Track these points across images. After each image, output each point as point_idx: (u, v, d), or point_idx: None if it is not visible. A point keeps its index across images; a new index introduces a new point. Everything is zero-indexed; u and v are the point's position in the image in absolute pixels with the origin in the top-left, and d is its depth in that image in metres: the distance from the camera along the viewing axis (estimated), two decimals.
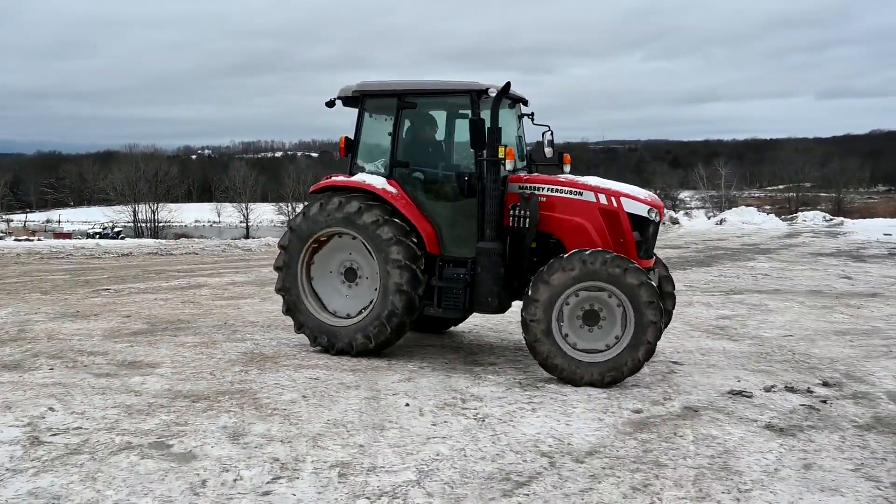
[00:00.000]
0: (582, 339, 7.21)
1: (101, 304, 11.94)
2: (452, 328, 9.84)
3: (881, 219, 39.88)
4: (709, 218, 43.59)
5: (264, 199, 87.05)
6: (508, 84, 7.70)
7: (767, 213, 44.73)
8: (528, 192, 7.85)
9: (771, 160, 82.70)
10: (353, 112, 8.46)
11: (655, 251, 8.13)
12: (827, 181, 70.22)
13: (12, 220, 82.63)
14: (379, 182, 8.09)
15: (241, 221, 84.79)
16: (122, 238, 51.65)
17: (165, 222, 79.53)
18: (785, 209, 60.70)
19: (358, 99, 8.42)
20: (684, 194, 73.21)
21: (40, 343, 8.86)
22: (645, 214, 7.71)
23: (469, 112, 7.89)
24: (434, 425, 6.03)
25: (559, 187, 7.85)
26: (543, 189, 7.86)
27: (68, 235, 58.26)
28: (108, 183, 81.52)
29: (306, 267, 8.37)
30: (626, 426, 6.06)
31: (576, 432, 5.89)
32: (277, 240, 20.29)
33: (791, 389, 7.09)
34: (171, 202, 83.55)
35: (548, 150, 8.60)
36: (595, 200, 7.71)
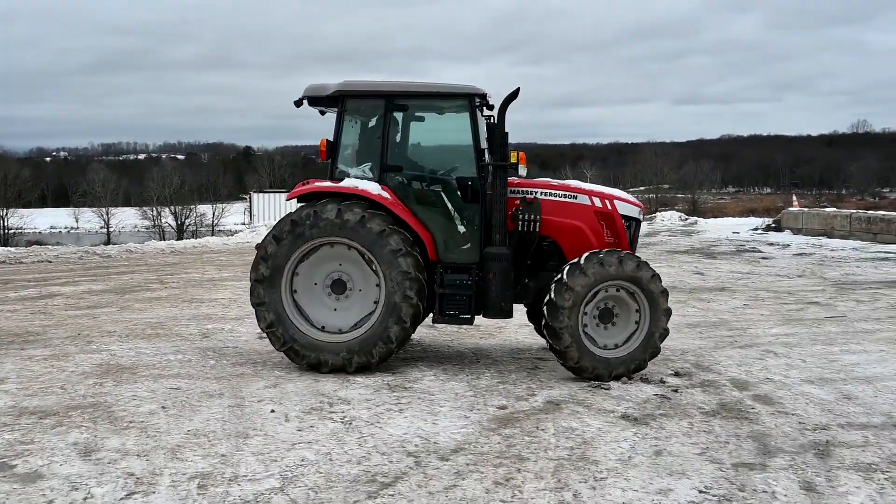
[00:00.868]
0: (601, 337, 7.45)
1: None
2: None
3: (731, 218, 42.57)
4: None
5: (127, 204, 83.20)
6: (518, 89, 7.58)
7: None
8: (531, 195, 7.85)
9: (632, 163, 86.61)
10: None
11: None
12: (683, 183, 74.15)
13: None
14: (374, 188, 7.67)
15: (101, 227, 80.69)
16: None
17: (17, 229, 74.58)
18: (646, 209, 63.61)
19: (336, 99, 7.95)
20: None
21: None
22: (636, 216, 8.10)
23: (466, 116, 7.78)
24: (300, 431, 5.95)
25: (553, 191, 7.94)
26: (537, 193, 7.90)
27: None
28: None
29: (291, 279, 7.72)
30: (491, 422, 6.19)
31: (442, 431, 5.97)
32: (140, 245, 19.15)
33: (646, 380, 7.44)
34: (23, 207, 78.46)
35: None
36: (590, 203, 7.92)
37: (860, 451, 5.54)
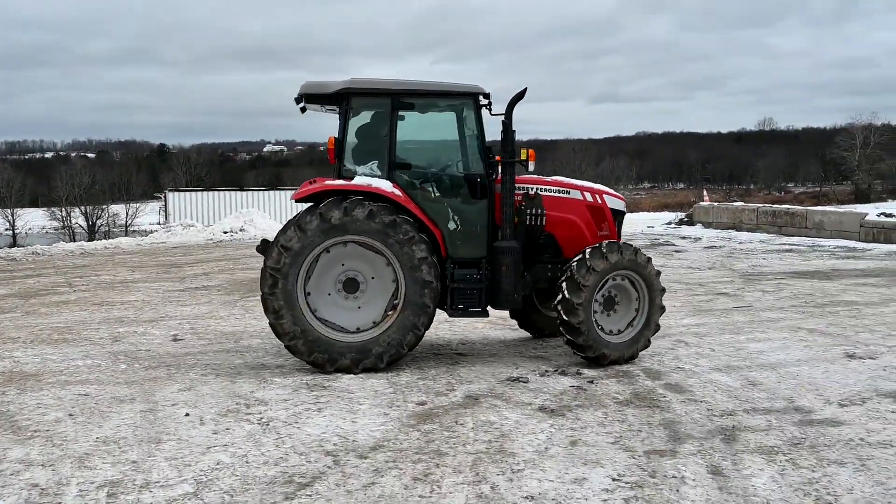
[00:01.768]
0: (608, 324, 7.88)
1: None
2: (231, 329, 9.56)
3: (646, 213, 43.85)
4: None
5: (34, 204, 79.80)
6: (525, 90, 7.88)
7: None
8: (533, 191, 8.06)
9: (551, 159, 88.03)
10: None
11: None
12: (601, 179, 75.80)
13: None
14: (387, 186, 7.64)
15: (6, 229, 77.13)
16: None
17: None
18: None
19: (339, 97, 7.89)
20: None
21: None
22: (622, 209, 8.67)
23: (472, 113, 7.96)
24: (215, 433, 5.83)
25: (548, 187, 8.25)
26: (533, 189, 8.11)
27: None
28: None
29: (304, 283, 7.54)
30: (411, 419, 6.20)
31: (361, 429, 5.94)
32: (48, 247, 18.47)
33: (563, 373, 7.58)
34: None
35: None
36: (583, 198, 8.35)
37: (764, 435, 5.77)
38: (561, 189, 8.33)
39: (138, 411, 6.37)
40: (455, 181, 8.14)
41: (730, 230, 25.69)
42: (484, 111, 8.05)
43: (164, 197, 48.18)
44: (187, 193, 45.57)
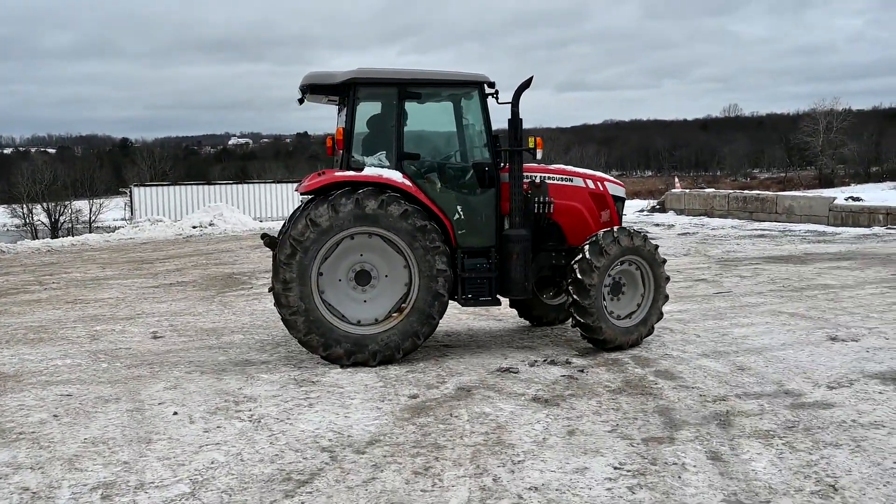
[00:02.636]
0: (615, 309, 7.98)
1: None
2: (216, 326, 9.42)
3: None
4: None
5: None
6: (531, 78, 7.90)
7: None
8: (538, 179, 8.10)
9: None
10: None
11: None
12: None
13: None
14: (397, 176, 7.56)
15: None
16: None
17: None
18: None
19: (344, 88, 7.76)
20: None
21: None
22: (623, 195, 8.76)
23: (478, 102, 7.93)
24: (206, 432, 5.71)
25: (552, 175, 8.31)
26: (539, 177, 8.16)
27: None
28: None
29: (317, 278, 7.44)
30: (404, 412, 6.13)
31: (355, 424, 5.87)
32: (13, 245, 18.02)
33: (553, 362, 7.56)
34: None
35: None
36: (585, 185, 8.44)
37: (758, 419, 5.80)
38: (564, 177, 8.39)
39: (125, 411, 6.23)
40: (463, 170, 8.13)
41: (702, 216, 25.94)
42: (490, 100, 8.00)
43: (130, 192, 47.38)
44: (153, 188, 44.82)
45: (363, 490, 4.67)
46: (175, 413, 6.14)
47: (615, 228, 7.93)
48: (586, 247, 7.80)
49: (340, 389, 6.77)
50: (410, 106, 7.90)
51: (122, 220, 49.94)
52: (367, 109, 8.08)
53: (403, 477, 4.84)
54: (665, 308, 10.31)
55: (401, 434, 5.62)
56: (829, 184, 63.86)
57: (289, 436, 5.61)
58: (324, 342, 7.42)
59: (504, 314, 10.21)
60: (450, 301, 7.80)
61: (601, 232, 7.89)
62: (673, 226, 23.67)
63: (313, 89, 7.97)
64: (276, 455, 5.24)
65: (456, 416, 5.99)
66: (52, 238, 35.86)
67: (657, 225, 24.12)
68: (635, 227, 8.26)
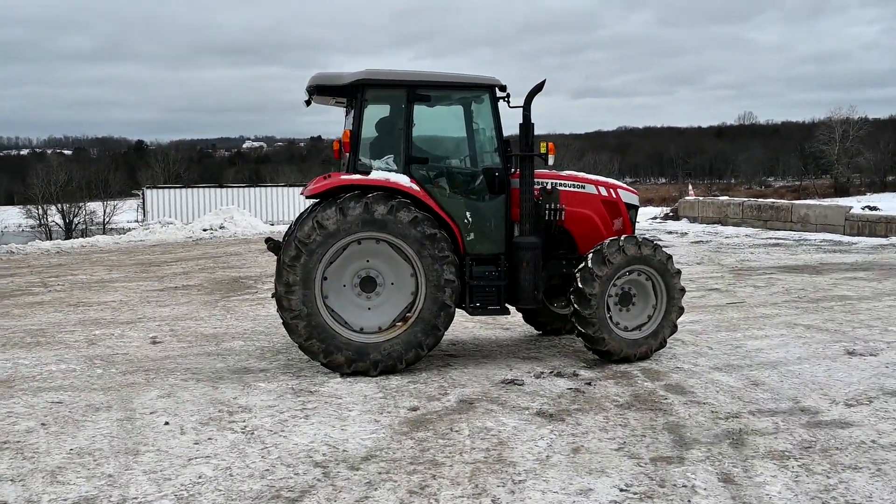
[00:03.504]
0: (623, 320, 7.74)
1: None
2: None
3: None
4: None
5: (10, 202, 78.57)
6: (544, 81, 7.70)
7: None
8: (550, 185, 7.86)
9: None
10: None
11: None
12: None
13: None
14: (404, 180, 7.34)
15: None
16: None
17: None
18: None
19: (352, 89, 7.54)
20: None
21: None
22: (636, 203, 8.52)
23: (488, 106, 7.72)
24: (196, 444, 5.50)
25: (563, 181, 8.07)
26: (550, 184, 7.91)
27: None
28: None
29: (321, 282, 7.25)
30: (403, 425, 5.90)
31: (351, 437, 5.64)
32: (23, 246, 17.87)
33: (559, 374, 7.31)
34: None
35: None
36: (597, 193, 8.21)
37: (773, 439, 5.54)
38: (576, 183, 8.17)
39: (115, 420, 6.03)
40: (472, 175, 7.94)
41: (715, 224, 25.58)
42: (501, 104, 7.79)
43: (143, 194, 47.48)
44: (166, 190, 44.89)
45: None
46: (166, 423, 5.94)
47: (622, 237, 7.67)
48: (590, 255, 7.59)
49: (339, 400, 6.55)
50: (419, 109, 7.68)
51: (135, 221, 50.07)
52: (376, 112, 7.87)
53: (398, 496, 4.61)
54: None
55: (398, 449, 5.39)
56: (844, 192, 63.17)
57: (281, 449, 5.39)
58: (325, 348, 7.21)
59: (511, 323, 9.97)
60: (457, 310, 7.58)
61: (607, 240, 7.66)
62: (686, 234, 23.34)
63: (320, 90, 7.76)
64: (267, 470, 5.02)
65: (456, 431, 5.75)
66: (65, 239, 35.91)
67: (670, 232, 23.79)
68: (646, 236, 7.98)
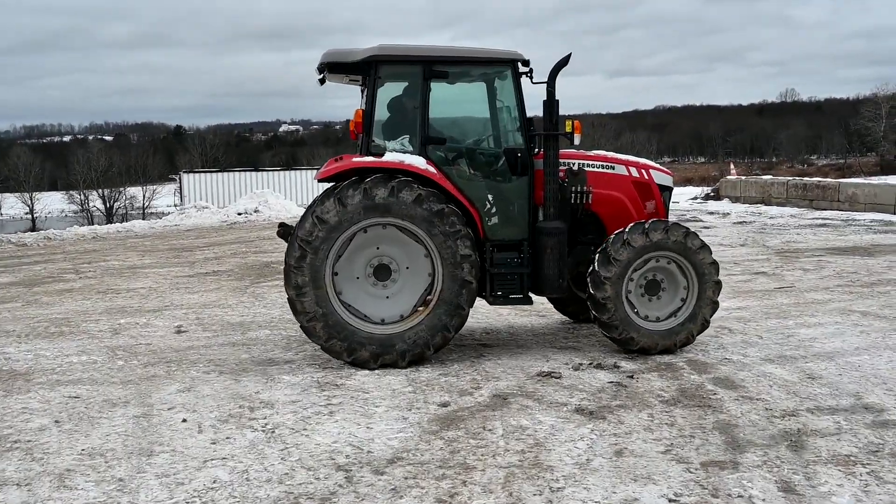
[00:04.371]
0: (646, 309, 7.25)
1: None
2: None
3: None
4: None
5: (53, 188, 79.76)
6: (570, 55, 7.22)
7: None
8: (576, 166, 7.42)
9: None
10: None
11: None
12: (620, 153, 74.70)
13: None
14: (420, 162, 6.92)
15: (26, 213, 77.04)
16: None
17: None
18: None
19: (365, 66, 7.12)
20: None
21: None
22: (670, 185, 7.97)
23: (510, 82, 7.24)
24: (214, 444, 5.20)
25: (591, 162, 7.61)
26: (577, 164, 7.46)
27: None
28: None
29: (332, 278, 6.88)
30: (433, 423, 5.54)
31: (377, 436, 5.29)
32: (60, 232, 17.63)
33: (599, 366, 6.89)
34: None
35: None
36: (628, 174, 7.69)
37: (835, 441, 5.07)
38: (605, 164, 7.67)
39: (131, 416, 5.76)
40: (493, 156, 7.49)
41: (759, 205, 24.75)
42: (524, 79, 7.31)
43: (179, 178, 47.67)
44: (202, 175, 44.96)
45: None
46: (184, 420, 5.65)
47: (649, 220, 7.17)
48: (611, 237, 7.13)
49: (365, 395, 6.21)
50: (436, 86, 7.23)
51: (173, 206, 50.41)
52: (391, 90, 7.45)
53: None
54: (723, 304, 9.58)
55: (426, 450, 5.03)
56: (891, 170, 61.24)
57: (303, 450, 5.06)
58: (347, 346, 6.86)
59: (547, 310, 9.53)
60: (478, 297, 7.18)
61: (631, 224, 7.15)
62: (728, 214, 22.59)
63: (332, 68, 7.34)
64: (286, 474, 4.69)
65: (489, 430, 5.37)
66: (106, 223, 36.15)
67: (711, 213, 23.07)
68: (676, 220, 7.41)
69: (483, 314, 9.18)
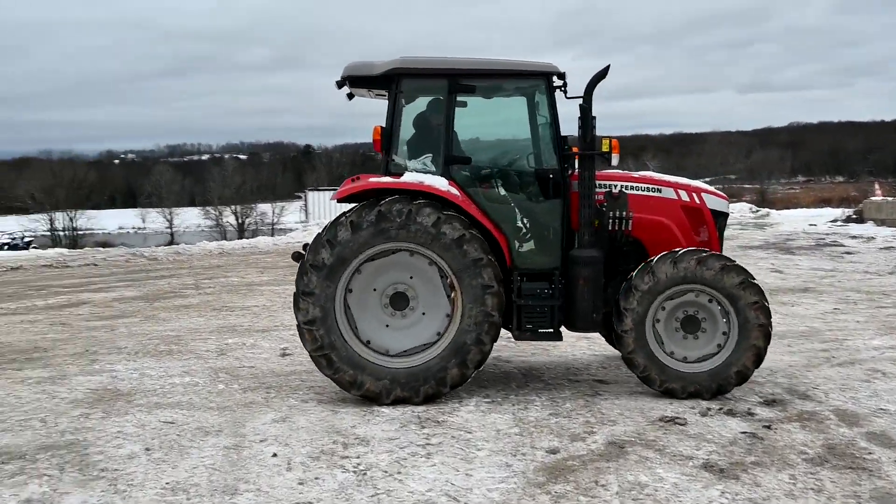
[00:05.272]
0: (680, 348, 6.58)
1: None
2: None
3: (804, 209, 40.21)
4: None
5: (192, 204, 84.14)
6: (608, 67, 6.69)
7: None
8: (617, 189, 6.87)
9: (697, 153, 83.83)
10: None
11: None
12: (750, 173, 71.29)
13: None
14: (441, 184, 6.51)
15: (166, 227, 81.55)
16: (33, 248, 48.66)
17: (86, 230, 75.71)
18: None
19: (388, 80, 6.74)
20: None
21: None
22: (725, 210, 7.29)
23: (544, 98, 6.75)
24: (301, 484, 4.85)
25: (635, 184, 6.99)
26: (617, 187, 6.90)
27: None
28: (24, 190, 77.11)
29: (345, 308, 6.57)
30: (539, 473, 4.98)
31: (476, 486, 4.79)
32: (189, 246, 18.08)
33: (730, 412, 6.13)
34: (93, 209, 79.67)
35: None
36: (676, 197, 7.02)
37: None
38: (650, 186, 6.97)
39: (221, 448, 5.50)
40: (523, 177, 6.91)
41: None
42: (559, 94, 6.72)
43: (305, 196, 49.03)
44: (327, 192, 46.09)
45: None
46: (274, 455, 5.34)
47: (682, 250, 6.46)
48: (638, 268, 6.52)
49: (468, 435, 5.72)
50: (468, 101, 6.77)
51: (300, 223, 51.93)
52: (417, 106, 6.96)
53: None
54: (874, 342, 8.60)
55: None
56: None
57: (394, 497, 4.63)
58: (356, 380, 6.39)
59: None
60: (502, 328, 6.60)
61: (662, 253, 6.49)
62: (873, 238, 20.78)
63: (353, 82, 6.90)
64: None
65: (603, 486, 4.77)
66: (238, 239, 37.48)
67: (853, 237, 21.32)
68: (681, 252, 6.46)
69: (600, 346, 8.52)
